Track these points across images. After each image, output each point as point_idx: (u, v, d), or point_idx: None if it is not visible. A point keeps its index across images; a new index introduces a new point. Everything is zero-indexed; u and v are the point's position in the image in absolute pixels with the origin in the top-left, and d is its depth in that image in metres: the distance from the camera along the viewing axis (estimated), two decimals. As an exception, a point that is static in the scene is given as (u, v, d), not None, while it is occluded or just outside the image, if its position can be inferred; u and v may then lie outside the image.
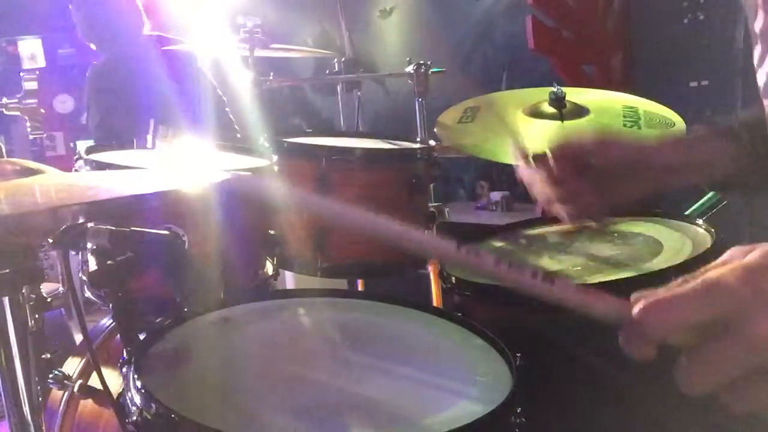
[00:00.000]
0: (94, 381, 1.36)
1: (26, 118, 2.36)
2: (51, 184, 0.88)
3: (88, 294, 1.35)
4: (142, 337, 1.05)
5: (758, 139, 1.06)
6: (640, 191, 1.12)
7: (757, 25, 0.88)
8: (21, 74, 4.85)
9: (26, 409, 0.91)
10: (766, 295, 0.51)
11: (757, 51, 0.89)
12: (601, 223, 1.26)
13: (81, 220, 0.95)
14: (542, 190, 1.16)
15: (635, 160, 1.09)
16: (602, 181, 1.10)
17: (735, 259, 0.54)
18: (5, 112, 2.29)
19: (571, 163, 1.11)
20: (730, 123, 1.12)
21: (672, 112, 1.66)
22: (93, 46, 2.99)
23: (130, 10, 2.92)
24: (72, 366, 1.43)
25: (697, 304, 0.53)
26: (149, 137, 1.46)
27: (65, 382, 1.39)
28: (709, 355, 0.53)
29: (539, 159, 1.14)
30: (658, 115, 1.64)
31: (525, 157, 1.17)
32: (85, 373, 1.41)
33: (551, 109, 1.66)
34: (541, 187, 1.15)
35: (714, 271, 0.54)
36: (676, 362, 0.55)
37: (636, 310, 0.54)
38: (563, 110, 1.65)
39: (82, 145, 1.55)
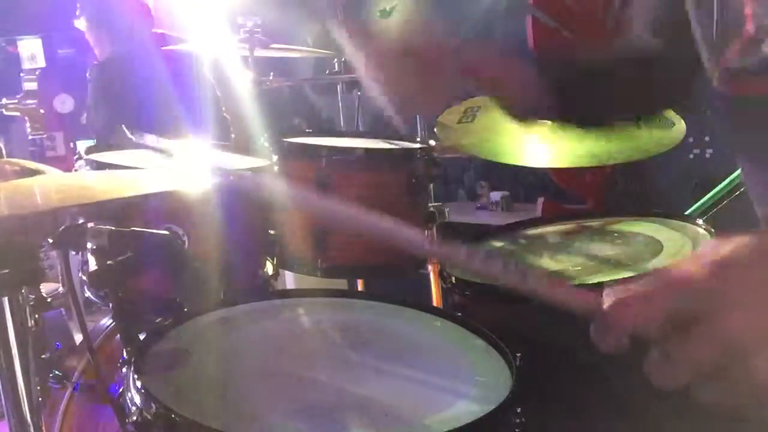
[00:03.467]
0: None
1: (26, 118, 2.36)
2: (51, 185, 0.88)
3: (88, 294, 1.35)
4: (142, 337, 1.05)
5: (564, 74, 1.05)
6: (447, 89, 1.08)
7: (747, 9, 0.88)
8: (21, 74, 4.85)
9: (26, 408, 0.91)
10: (734, 290, 0.52)
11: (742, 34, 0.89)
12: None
13: (81, 221, 0.95)
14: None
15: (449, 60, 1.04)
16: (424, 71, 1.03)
17: (708, 252, 0.54)
18: (5, 113, 2.29)
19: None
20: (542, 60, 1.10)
21: (672, 112, 1.66)
22: (96, 46, 2.99)
23: (135, 9, 2.93)
24: (72, 366, 1.43)
25: (665, 300, 0.53)
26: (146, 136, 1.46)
27: (65, 382, 1.39)
28: (679, 349, 0.53)
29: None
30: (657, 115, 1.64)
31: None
32: (85, 373, 1.41)
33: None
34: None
35: (684, 266, 0.54)
36: (648, 356, 0.55)
37: (606, 304, 0.54)
38: (563, 110, 1.65)
39: (82, 145, 1.55)
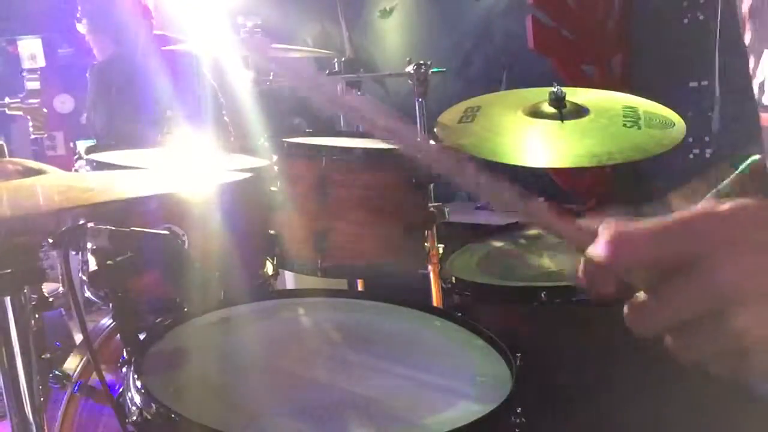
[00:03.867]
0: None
1: (28, 117, 2.36)
2: (52, 185, 0.88)
3: (88, 294, 1.35)
4: (142, 337, 1.05)
5: None
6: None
7: (747, 38, 0.88)
8: (23, 74, 4.85)
9: (28, 408, 0.91)
10: (735, 241, 0.51)
11: (750, 63, 0.90)
12: None
13: (81, 221, 0.95)
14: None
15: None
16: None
17: (709, 206, 0.54)
18: (8, 112, 2.29)
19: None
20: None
21: (672, 112, 1.66)
22: (95, 44, 2.99)
23: (135, 10, 2.93)
24: (72, 366, 1.43)
25: (664, 241, 0.52)
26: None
27: (65, 382, 1.39)
28: (666, 291, 0.51)
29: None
30: (658, 115, 1.64)
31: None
32: (85, 373, 1.41)
33: (551, 109, 1.66)
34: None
35: (687, 212, 0.53)
36: (630, 300, 0.53)
37: (602, 239, 0.53)
38: (563, 110, 1.65)
39: (82, 145, 1.55)
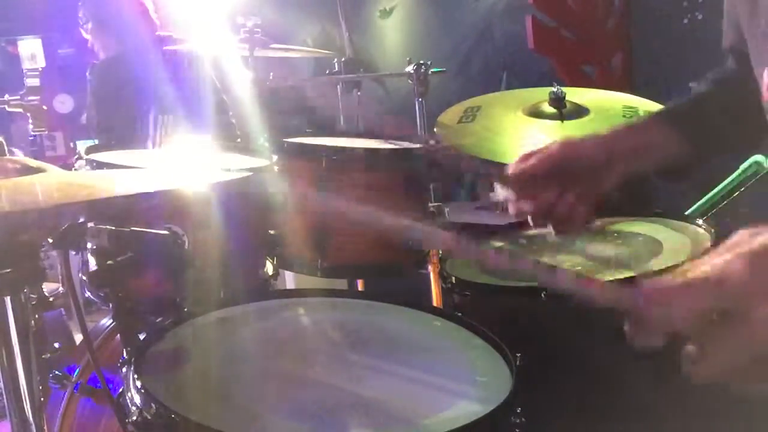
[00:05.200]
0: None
1: (28, 115, 2.36)
2: (52, 183, 0.88)
3: (88, 294, 1.35)
4: (142, 337, 1.05)
5: (696, 125, 1.11)
6: (607, 182, 1.13)
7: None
8: (24, 71, 4.85)
9: (28, 408, 0.91)
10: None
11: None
12: (589, 227, 1.24)
13: (81, 220, 0.95)
14: (519, 210, 1.14)
15: (594, 154, 1.10)
16: (574, 185, 1.09)
17: (743, 243, 0.54)
18: (8, 109, 2.29)
19: (533, 180, 1.10)
20: (674, 109, 1.15)
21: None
22: (97, 43, 2.99)
23: (136, 10, 2.93)
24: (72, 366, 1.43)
25: (702, 293, 0.53)
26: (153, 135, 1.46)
27: (65, 382, 1.39)
28: (716, 342, 0.53)
29: (506, 180, 1.12)
30: (658, 115, 1.64)
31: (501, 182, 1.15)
32: (85, 373, 1.41)
33: (551, 109, 1.66)
34: (518, 206, 1.14)
35: (721, 259, 0.54)
36: (683, 351, 0.55)
37: (642, 298, 0.54)
38: (563, 110, 1.65)
39: (82, 145, 1.55)
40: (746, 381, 0.54)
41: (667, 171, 1.15)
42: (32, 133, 4.25)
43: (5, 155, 0.92)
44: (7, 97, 2.27)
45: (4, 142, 0.93)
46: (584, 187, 1.09)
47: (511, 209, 1.14)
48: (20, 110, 2.25)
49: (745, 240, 0.54)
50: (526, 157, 1.10)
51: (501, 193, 1.13)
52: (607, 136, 1.14)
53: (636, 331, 0.55)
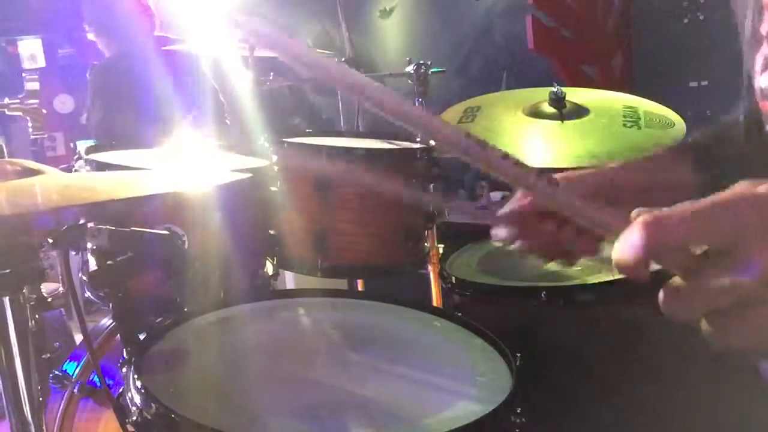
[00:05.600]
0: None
1: (28, 118, 2.36)
2: (51, 185, 0.88)
3: (88, 294, 1.35)
4: (142, 337, 1.05)
5: (717, 158, 1.07)
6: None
7: (764, 28, 0.88)
8: (23, 75, 4.85)
9: (27, 409, 0.91)
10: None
11: (761, 53, 0.90)
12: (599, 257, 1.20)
13: (81, 221, 0.95)
14: (523, 248, 1.09)
15: (597, 191, 1.06)
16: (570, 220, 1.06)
17: (744, 188, 0.53)
18: (7, 113, 2.28)
19: (531, 217, 1.06)
20: (694, 140, 1.12)
21: (672, 112, 1.66)
22: (100, 42, 3.00)
23: (138, 10, 2.93)
24: (72, 366, 1.43)
25: (701, 224, 0.51)
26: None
27: (65, 382, 1.39)
28: (701, 278, 0.51)
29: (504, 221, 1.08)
30: (658, 115, 1.64)
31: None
32: (85, 373, 1.41)
33: (551, 109, 1.66)
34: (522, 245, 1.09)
35: (723, 194, 0.52)
36: (665, 284, 0.53)
37: (637, 223, 0.52)
38: (563, 110, 1.65)
39: (82, 145, 1.55)
40: (721, 329, 0.52)
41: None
42: (32, 136, 4.26)
43: (4, 157, 0.92)
44: (6, 100, 2.28)
45: (3, 146, 0.93)
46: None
47: (516, 247, 1.09)
48: (20, 114, 2.25)
49: (747, 186, 0.53)
50: (525, 195, 1.06)
51: (500, 234, 1.07)
52: (611, 172, 1.08)
53: (624, 256, 0.52)
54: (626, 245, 0.52)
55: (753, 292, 0.50)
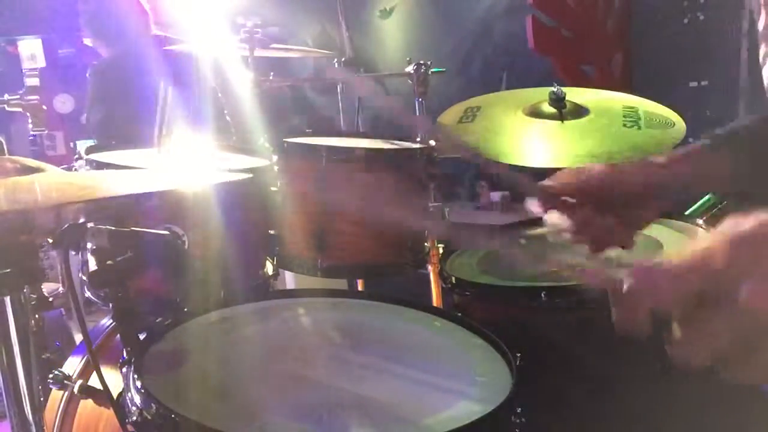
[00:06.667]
0: (94, 381, 1.36)
1: (28, 114, 2.35)
2: (51, 183, 0.88)
3: (88, 294, 1.35)
4: (142, 337, 1.05)
5: (757, 149, 1.06)
6: (656, 211, 1.09)
7: (761, 25, 0.88)
8: (24, 70, 4.85)
9: (27, 408, 0.91)
10: (752, 265, 0.52)
11: (761, 50, 0.90)
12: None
13: (81, 220, 0.95)
14: (558, 225, 1.09)
15: (646, 184, 1.06)
16: (618, 210, 1.06)
17: (729, 228, 0.55)
18: (7, 109, 2.28)
19: (582, 200, 1.06)
20: (731, 132, 1.11)
21: (672, 112, 1.66)
22: (97, 45, 3.00)
23: (135, 10, 2.93)
24: (72, 366, 1.43)
25: (687, 275, 0.53)
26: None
27: (65, 382, 1.39)
28: (700, 325, 0.53)
29: (550, 198, 1.07)
30: (657, 115, 1.64)
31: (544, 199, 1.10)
32: (85, 373, 1.41)
33: (551, 109, 1.66)
34: (557, 221, 1.09)
35: (707, 242, 0.54)
36: (668, 336, 0.55)
37: (628, 279, 0.55)
38: (563, 110, 1.65)
39: (82, 145, 1.55)
40: (730, 366, 0.54)
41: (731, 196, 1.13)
42: (32, 133, 4.25)
43: (4, 154, 0.92)
44: (6, 96, 2.27)
45: (3, 143, 0.93)
46: (620, 215, 1.05)
47: (545, 219, 1.08)
48: (20, 110, 2.25)
49: (732, 225, 0.54)
50: (564, 175, 1.06)
51: (532, 205, 1.07)
52: (648, 164, 1.09)
53: (623, 314, 0.55)
54: (623, 309, 0.56)
55: (752, 330, 0.51)
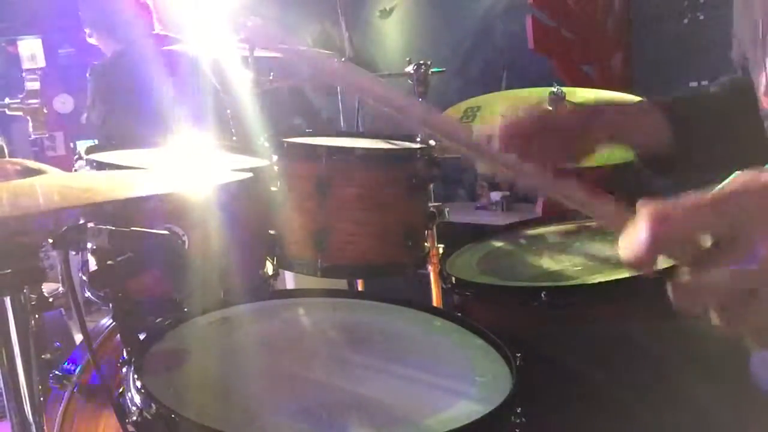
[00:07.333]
0: (94, 381, 1.36)
1: (29, 118, 2.35)
2: (52, 185, 0.88)
3: (88, 294, 1.35)
4: (142, 337, 1.05)
5: (692, 120, 1.12)
6: (587, 150, 1.14)
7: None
8: (23, 74, 4.84)
9: (28, 409, 0.91)
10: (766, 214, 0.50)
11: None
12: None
13: (81, 221, 0.95)
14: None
15: (582, 122, 1.10)
16: (551, 145, 1.09)
17: (745, 176, 0.53)
18: (8, 113, 2.28)
19: (520, 138, 1.10)
20: (672, 99, 1.16)
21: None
22: (102, 42, 3.00)
23: (136, 9, 2.93)
24: (72, 366, 1.43)
25: (706, 215, 0.51)
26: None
27: (65, 382, 1.39)
28: (709, 269, 0.51)
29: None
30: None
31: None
32: (85, 373, 1.41)
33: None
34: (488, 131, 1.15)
35: (727, 185, 0.52)
36: (673, 279, 0.53)
37: (642, 216, 0.52)
38: (563, 110, 1.65)
39: (82, 145, 1.55)
40: (731, 318, 0.52)
41: (649, 159, 1.16)
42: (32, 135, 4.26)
43: (5, 157, 0.92)
44: (7, 100, 2.28)
45: (4, 146, 0.93)
46: (556, 153, 1.10)
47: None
48: (20, 113, 2.25)
49: (750, 175, 0.53)
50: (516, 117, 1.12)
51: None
52: (590, 109, 1.15)
53: (630, 249, 0.52)
54: (633, 241, 0.52)
55: (761, 280, 0.50)
